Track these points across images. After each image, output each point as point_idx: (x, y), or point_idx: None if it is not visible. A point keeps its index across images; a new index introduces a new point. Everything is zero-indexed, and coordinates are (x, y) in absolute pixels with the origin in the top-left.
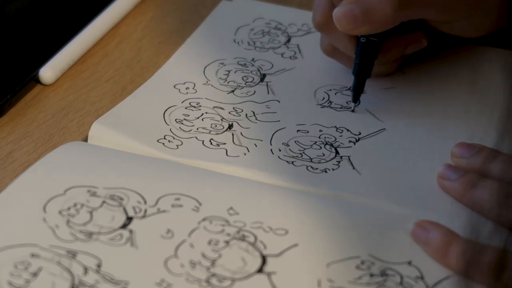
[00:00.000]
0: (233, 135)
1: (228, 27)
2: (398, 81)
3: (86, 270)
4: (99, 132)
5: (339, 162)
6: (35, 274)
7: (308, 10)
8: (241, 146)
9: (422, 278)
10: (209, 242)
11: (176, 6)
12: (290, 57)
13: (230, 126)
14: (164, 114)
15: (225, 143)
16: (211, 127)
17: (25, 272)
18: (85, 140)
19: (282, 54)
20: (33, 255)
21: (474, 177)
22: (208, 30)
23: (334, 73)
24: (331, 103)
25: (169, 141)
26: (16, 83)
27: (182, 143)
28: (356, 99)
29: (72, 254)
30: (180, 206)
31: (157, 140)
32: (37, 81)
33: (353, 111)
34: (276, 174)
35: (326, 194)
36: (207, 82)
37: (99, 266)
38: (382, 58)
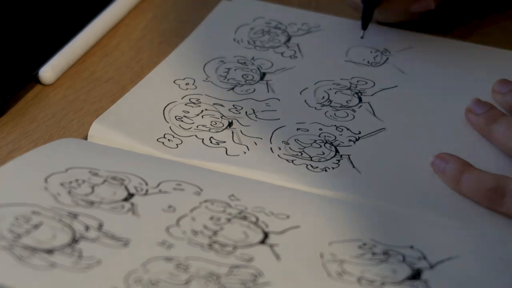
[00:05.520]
0: (233, 133)
1: (228, 26)
2: (398, 81)
3: (87, 228)
4: (98, 132)
5: (339, 160)
6: (36, 226)
7: (308, 10)
8: (241, 144)
9: (424, 258)
10: (211, 218)
11: (176, 6)
12: (290, 57)
13: (230, 124)
14: (164, 110)
15: (225, 142)
16: (211, 124)
17: (26, 224)
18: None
19: (282, 53)
20: (34, 212)
21: (497, 112)
22: (208, 29)
23: (334, 73)
24: (331, 102)
25: (168, 140)
26: (16, 83)
27: (181, 142)
28: (364, 26)
29: (74, 215)
30: (182, 190)
31: (157, 139)
32: (37, 81)
33: (362, 37)
34: (276, 172)
35: (326, 193)
36: (207, 78)
37: (100, 225)
38: (386, 8)
